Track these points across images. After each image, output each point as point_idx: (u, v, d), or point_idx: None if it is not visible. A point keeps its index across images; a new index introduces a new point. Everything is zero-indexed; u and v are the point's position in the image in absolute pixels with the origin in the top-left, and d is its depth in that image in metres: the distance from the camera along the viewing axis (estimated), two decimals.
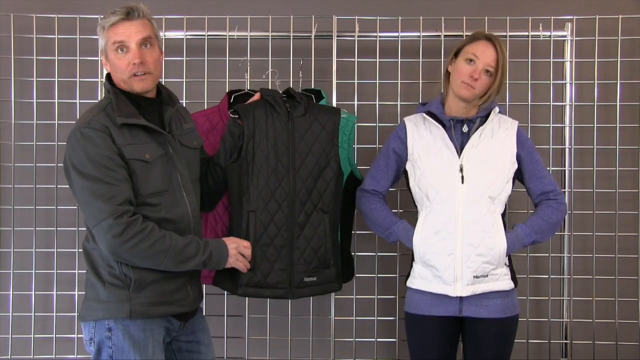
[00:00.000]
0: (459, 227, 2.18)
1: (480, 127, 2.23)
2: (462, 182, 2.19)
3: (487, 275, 2.19)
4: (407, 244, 2.28)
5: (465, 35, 2.61)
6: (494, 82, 2.19)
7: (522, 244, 2.25)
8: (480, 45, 2.18)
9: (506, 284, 2.23)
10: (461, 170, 2.19)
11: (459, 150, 2.22)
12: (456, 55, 2.24)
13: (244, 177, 2.26)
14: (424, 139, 2.27)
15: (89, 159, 1.88)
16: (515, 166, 2.25)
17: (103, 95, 2.07)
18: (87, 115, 1.95)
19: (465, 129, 2.23)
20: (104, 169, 1.88)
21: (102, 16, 2.00)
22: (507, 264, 2.25)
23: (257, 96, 2.37)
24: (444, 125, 2.24)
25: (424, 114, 2.28)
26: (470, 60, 2.18)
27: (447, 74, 2.28)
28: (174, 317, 2.04)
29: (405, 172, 2.32)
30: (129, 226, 1.87)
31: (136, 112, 1.97)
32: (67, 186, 2.84)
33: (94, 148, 1.88)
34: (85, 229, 2.03)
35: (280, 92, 2.39)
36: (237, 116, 2.30)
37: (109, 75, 2.03)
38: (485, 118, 2.24)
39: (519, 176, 2.29)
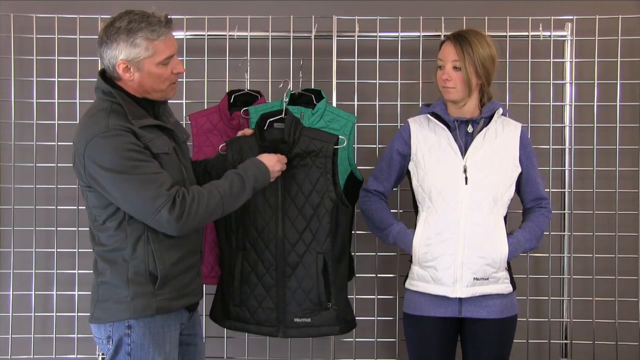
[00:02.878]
0: (461, 228, 2.18)
1: (485, 128, 2.23)
2: (466, 183, 2.18)
3: (487, 278, 2.19)
4: (403, 246, 2.28)
5: None
6: (466, 73, 2.17)
7: (523, 249, 2.26)
8: (443, 48, 2.23)
9: (505, 287, 2.23)
10: (465, 171, 2.19)
11: (463, 151, 2.21)
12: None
13: (231, 216, 2.24)
14: (428, 140, 2.26)
15: (122, 157, 1.87)
16: (518, 170, 2.25)
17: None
18: (99, 122, 1.90)
19: (470, 129, 2.23)
20: (140, 162, 1.88)
21: (128, 21, 1.92)
22: (507, 268, 2.24)
23: (249, 132, 2.33)
24: (448, 127, 2.24)
25: (429, 115, 2.28)
26: (440, 66, 2.22)
27: None
28: (185, 309, 2.08)
29: (408, 172, 2.31)
30: (182, 204, 1.90)
31: (145, 112, 1.98)
32: (67, 186, 2.88)
33: (122, 145, 1.87)
34: (88, 230, 2.04)
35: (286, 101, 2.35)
36: (224, 152, 2.29)
37: (108, 79, 1.98)
38: (489, 119, 2.24)
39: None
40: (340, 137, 2.28)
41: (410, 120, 2.35)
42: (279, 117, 2.28)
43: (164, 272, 1.97)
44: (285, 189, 2.25)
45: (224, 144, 2.31)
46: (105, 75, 2.00)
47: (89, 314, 2.06)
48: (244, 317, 2.30)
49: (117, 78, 1.97)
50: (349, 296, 2.83)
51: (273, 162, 2.15)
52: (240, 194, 2.03)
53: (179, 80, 2.87)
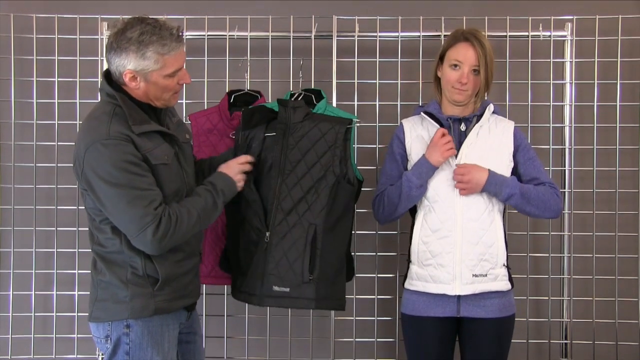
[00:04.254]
0: (457, 225, 2.19)
1: (477, 125, 2.24)
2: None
3: (486, 275, 2.20)
4: (418, 171, 2.20)
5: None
6: (484, 78, 2.20)
7: (503, 188, 2.15)
8: (461, 49, 2.19)
9: (504, 284, 2.23)
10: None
11: (457, 148, 2.22)
12: (441, 59, 2.26)
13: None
14: (422, 139, 2.28)
15: (118, 168, 1.87)
16: (512, 165, 2.26)
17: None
18: (100, 127, 1.90)
19: (462, 127, 2.25)
20: (135, 176, 1.89)
21: (140, 32, 1.90)
22: (505, 264, 2.25)
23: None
24: (441, 125, 2.25)
25: (423, 114, 2.29)
26: (455, 65, 2.20)
27: (437, 78, 2.30)
28: (184, 309, 2.10)
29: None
30: (167, 225, 1.91)
31: (147, 117, 1.98)
32: (67, 186, 2.88)
33: (120, 156, 1.87)
34: (87, 229, 2.04)
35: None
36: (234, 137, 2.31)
37: (111, 80, 1.98)
38: (481, 117, 2.25)
39: (516, 174, 2.28)
40: (354, 119, 2.32)
41: (404, 121, 2.37)
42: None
43: (164, 275, 1.98)
44: (287, 156, 2.25)
45: (235, 131, 2.31)
46: (110, 77, 2.00)
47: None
48: (239, 286, 2.31)
49: (122, 83, 1.97)
50: (349, 296, 2.85)
51: (234, 172, 2.16)
52: (213, 211, 2.06)
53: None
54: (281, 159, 2.24)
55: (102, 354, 2.87)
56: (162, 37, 1.91)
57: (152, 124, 1.98)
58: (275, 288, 2.22)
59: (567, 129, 2.89)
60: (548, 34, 2.85)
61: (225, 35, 2.85)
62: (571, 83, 2.88)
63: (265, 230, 2.23)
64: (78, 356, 2.95)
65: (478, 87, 2.22)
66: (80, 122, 2.88)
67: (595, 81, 2.88)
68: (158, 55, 1.92)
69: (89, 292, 2.78)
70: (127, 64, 1.92)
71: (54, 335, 2.95)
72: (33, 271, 2.94)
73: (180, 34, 1.96)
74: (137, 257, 1.96)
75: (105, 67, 2.83)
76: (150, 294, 1.97)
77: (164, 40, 1.91)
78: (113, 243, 1.97)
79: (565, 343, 2.90)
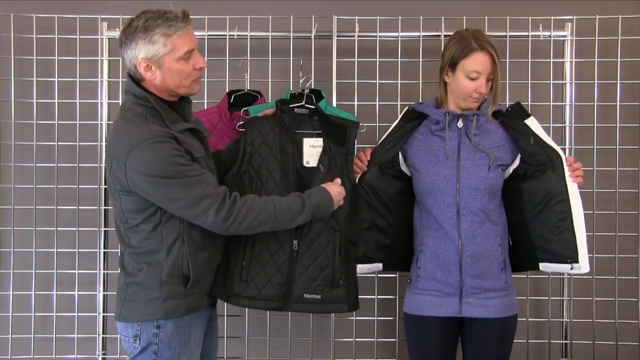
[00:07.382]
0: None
1: (477, 123, 2.23)
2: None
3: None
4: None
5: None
6: (496, 82, 2.18)
7: None
8: (479, 58, 2.13)
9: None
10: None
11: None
12: (451, 66, 2.19)
13: (247, 190, 2.21)
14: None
15: (167, 164, 1.89)
16: (516, 162, 2.27)
17: (122, 100, 2.05)
18: (140, 129, 1.90)
19: (460, 124, 2.23)
20: (184, 167, 1.91)
21: (145, 19, 1.90)
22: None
23: (270, 111, 2.33)
24: (438, 122, 2.24)
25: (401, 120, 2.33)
26: (473, 78, 2.15)
27: (444, 82, 2.26)
28: (209, 305, 2.15)
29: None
30: (232, 206, 1.95)
31: (178, 117, 2.00)
32: (67, 186, 2.88)
33: (167, 152, 1.89)
34: (114, 229, 2.07)
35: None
36: (243, 129, 2.26)
37: (138, 82, 1.98)
38: (481, 115, 2.24)
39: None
40: (361, 124, 2.36)
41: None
42: (299, 104, 2.31)
43: (195, 274, 2.01)
44: (303, 165, 2.25)
45: (242, 122, 2.29)
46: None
47: (112, 313, 2.11)
48: (250, 294, 2.20)
49: (141, 79, 1.97)
50: None
51: (337, 192, 2.16)
52: (297, 216, 2.06)
53: None
54: (296, 170, 2.24)
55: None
56: (167, 19, 1.91)
57: (183, 122, 2.00)
58: (307, 296, 2.21)
59: (567, 129, 2.89)
60: (548, 34, 2.85)
61: (225, 35, 2.85)
62: (571, 83, 2.88)
63: (293, 239, 2.20)
64: (78, 356, 2.95)
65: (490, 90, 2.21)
66: (79, 122, 2.90)
67: (595, 81, 2.88)
68: (165, 37, 1.91)
69: (89, 292, 2.79)
70: (139, 54, 1.92)
71: (54, 335, 2.95)
72: (33, 271, 2.94)
73: (186, 13, 1.94)
74: (176, 255, 1.98)
75: (105, 67, 2.86)
76: (182, 294, 2.00)
77: (169, 21, 1.91)
78: (150, 242, 1.98)
79: (565, 343, 2.90)
